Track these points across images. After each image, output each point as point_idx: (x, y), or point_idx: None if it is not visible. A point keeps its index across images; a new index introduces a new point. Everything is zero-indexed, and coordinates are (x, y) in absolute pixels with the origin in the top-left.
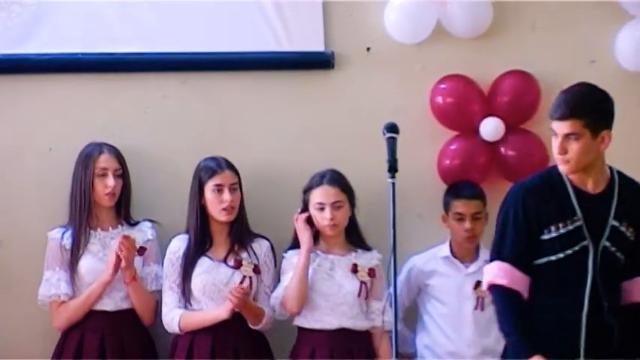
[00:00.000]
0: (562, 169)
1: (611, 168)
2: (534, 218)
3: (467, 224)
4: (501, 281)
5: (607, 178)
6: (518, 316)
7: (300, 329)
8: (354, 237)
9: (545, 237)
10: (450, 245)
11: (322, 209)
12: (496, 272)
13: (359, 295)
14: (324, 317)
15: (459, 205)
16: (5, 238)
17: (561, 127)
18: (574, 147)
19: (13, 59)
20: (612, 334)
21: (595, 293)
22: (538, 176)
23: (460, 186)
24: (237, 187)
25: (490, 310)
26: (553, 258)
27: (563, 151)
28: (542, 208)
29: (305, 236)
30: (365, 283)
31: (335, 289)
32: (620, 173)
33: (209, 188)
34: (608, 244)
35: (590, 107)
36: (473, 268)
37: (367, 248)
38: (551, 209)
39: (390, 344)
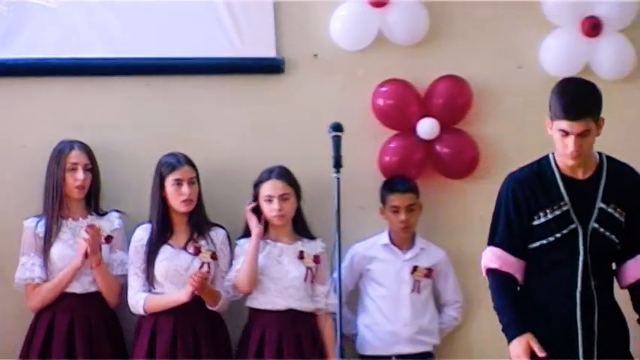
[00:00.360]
0: (572, 163)
1: (600, 153)
2: (524, 206)
3: (402, 216)
4: (494, 265)
5: (595, 163)
6: (509, 297)
7: (252, 310)
8: (299, 227)
9: (536, 222)
10: (389, 234)
11: (270, 201)
12: (490, 257)
13: (305, 279)
14: (273, 299)
15: (394, 199)
16: None
17: (574, 127)
18: (586, 143)
19: None
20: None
21: (587, 272)
22: (528, 167)
23: (394, 181)
24: (195, 180)
25: (425, 293)
26: (544, 242)
27: (580, 148)
28: (530, 196)
29: (253, 223)
30: (310, 269)
31: (283, 274)
32: (609, 157)
33: (169, 182)
34: (596, 225)
35: (594, 104)
36: (410, 254)
37: (312, 237)
38: (539, 197)
39: (334, 325)
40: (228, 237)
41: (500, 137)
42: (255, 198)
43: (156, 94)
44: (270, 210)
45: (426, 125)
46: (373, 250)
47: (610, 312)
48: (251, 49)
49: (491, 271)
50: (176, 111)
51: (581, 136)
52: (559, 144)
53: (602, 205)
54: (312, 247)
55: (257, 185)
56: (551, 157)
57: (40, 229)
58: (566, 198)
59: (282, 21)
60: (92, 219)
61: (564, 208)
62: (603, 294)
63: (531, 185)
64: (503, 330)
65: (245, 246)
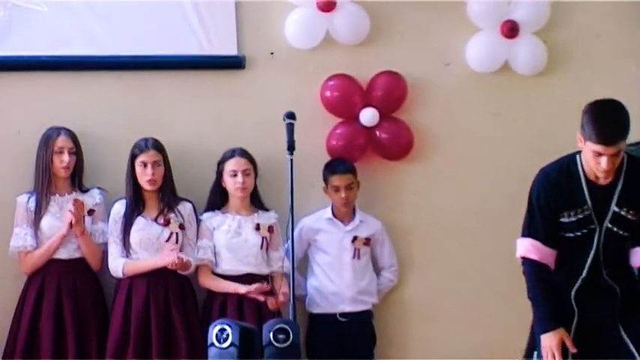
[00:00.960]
0: (603, 178)
1: (624, 156)
2: (553, 205)
3: (342, 194)
4: (533, 256)
5: (616, 168)
6: (546, 291)
7: (216, 274)
8: (256, 201)
9: (563, 220)
10: (332, 209)
11: (235, 175)
12: (528, 247)
13: (261, 247)
14: (234, 266)
15: (335, 179)
16: None
17: (609, 150)
18: (616, 160)
19: None
20: (614, 294)
21: (596, 262)
22: (557, 165)
23: (334, 163)
24: (160, 163)
25: (365, 259)
26: (569, 235)
27: (612, 165)
28: (559, 196)
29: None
30: (265, 238)
31: (242, 244)
32: (630, 159)
33: (137, 163)
34: (610, 225)
35: (625, 128)
36: (350, 226)
37: (266, 209)
38: (566, 199)
39: (287, 284)
40: (195, 209)
41: (432, 124)
42: (219, 175)
43: (132, 86)
44: (234, 183)
45: (367, 114)
46: (319, 223)
47: (632, 294)
48: (215, 48)
49: (528, 261)
50: (150, 102)
51: (613, 156)
52: (591, 160)
53: (616, 209)
54: (266, 219)
55: (221, 163)
56: (578, 159)
57: (32, 204)
58: (589, 203)
59: (242, 22)
60: (76, 195)
61: (587, 212)
62: (621, 278)
63: (560, 186)
64: (537, 321)
65: (207, 222)
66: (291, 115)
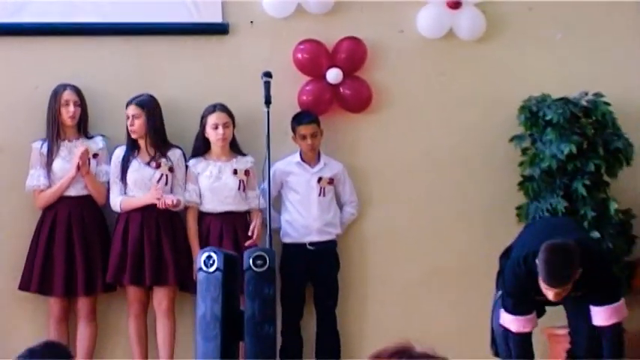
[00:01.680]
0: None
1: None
2: (524, 289)
3: (308, 141)
4: (522, 329)
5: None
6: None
7: (201, 213)
8: (234, 148)
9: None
10: (300, 154)
11: (216, 128)
12: (517, 324)
13: (239, 189)
14: (216, 206)
15: (301, 129)
16: (6, 146)
17: (558, 289)
18: (564, 292)
19: (11, 26)
20: None
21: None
22: (519, 266)
23: (300, 115)
24: (140, 115)
25: (329, 196)
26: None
27: (561, 297)
28: (526, 286)
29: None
30: (242, 181)
31: (222, 187)
32: (584, 253)
33: (125, 116)
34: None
35: (571, 274)
36: (316, 169)
37: (243, 154)
38: (530, 288)
39: (260, 220)
40: (184, 155)
41: (387, 82)
42: (203, 127)
43: (130, 49)
44: (215, 135)
45: (332, 73)
46: (289, 167)
47: None
48: (203, 16)
49: (514, 333)
50: (146, 62)
51: (562, 292)
52: (544, 290)
53: (572, 294)
54: (243, 163)
55: (204, 116)
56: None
57: (44, 149)
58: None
59: None
60: (82, 141)
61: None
62: None
63: (525, 281)
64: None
65: (193, 168)
66: (268, 74)
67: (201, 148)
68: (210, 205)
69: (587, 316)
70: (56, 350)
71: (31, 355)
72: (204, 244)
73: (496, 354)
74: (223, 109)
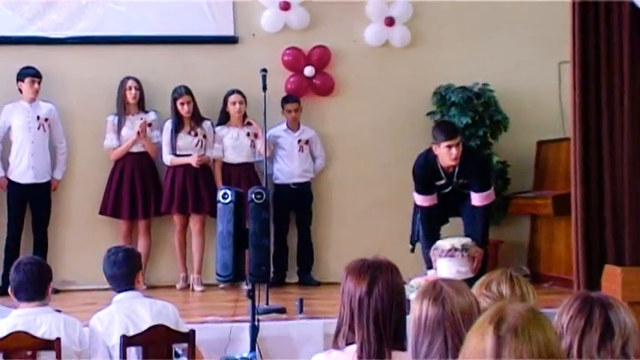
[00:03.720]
0: (453, 164)
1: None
2: (428, 178)
3: (292, 115)
4: (424, 204)
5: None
6: (429, 223)
7: (224, 163)
8: (245, 119)
9: (435, 183)
10: (287, 123)
11: (234, 104)
12: (420, 199)
13: (251, 146)
14: (235, 158)
15: (288, 106)
16: (90, 119)
17: (454, 141)
18: (459, 149)
19: (93, 38)
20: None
21: (456, 198)
22: (422, 158)
23: (287, 97)
24: (190, 101)
25: (306, 152)
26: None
27: (458, 153)
28: (428, 173)
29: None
30: (253, 141)
31: (240, 145)
32: (464, 150)
33: (178, 102)
34: (457, 187)
35: (458, 129)
36: (297, 133)
37: (250, 123)
38: (432, 175)
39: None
40: (213, 125)
41: (345, 76)
42: (225, 103)
43: (169, 54)
44: (234, 109)
45: (308, 70)
46: (279, 132)
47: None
48: (220, 30)
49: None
50: (182, 62)
51: (457, 145)
52: (446, 155)
53: (455, 180)
54: (252, 129)
55: (225, 97)
56: (437, 160)
57: (115, 120)
58: (444, 177)
59: (237, 14)
60: (141, 114)
61: (442, 181)
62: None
63: (427, 168)
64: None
65: (220, 131)
66: (264, 70)
67: (224, 118)
68: (232, 158)
69: (476, 220)
70: (129, 250)
71: (113, 251)
72: (227, 184)
73: (412, 249)
74: (239, 92)
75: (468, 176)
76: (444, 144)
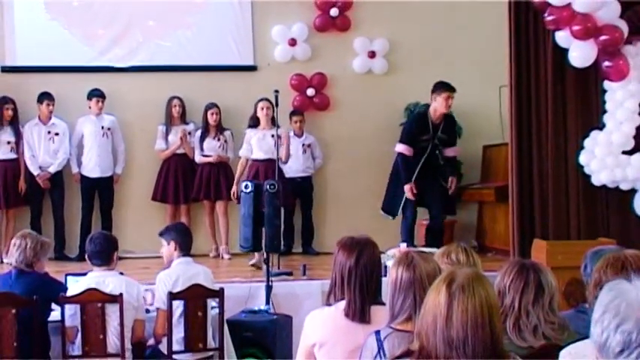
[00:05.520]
0: (444, 112)
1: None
2: (417, 131)
3: (297, 125)
4: (406, 152)
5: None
6: (408, 164)
7: (252, 160)
8: (272, 123)
9: (421, 137)
10: (294, 131)
11: (263, 109)
12: (404, 148)
13: (274, 145)
14: (261, 155)
15: (294, 119)
16: (147, 128)
17: (453, 94)
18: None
19: (146, 67)
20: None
21: (432, 152)
22: (417, 113)
23: (294, 111)
24: (218, 112)
25: (308, 153)
26: (423, 144)
27: (449, 106)
28: (420, 127)
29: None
30: (277, 142)
31: (265, 144)
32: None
33: (209, 112)
34: (437, 141)
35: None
36: (301, 139)
37: (274, 126)
38: (423, 129)
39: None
40: (232, 134)
41: (338, 96)
42: (255, 109)
43: (204, 78)
44: (262, 115)
45: (310, 91)
46: (289, 138)
47: (447, 170)
48: (243, 60)
49: (403, 155)
50: (212, 85)
51: (452, 98)
52: (443, 103)
53: (439, 134)
54: (274, 131)
55: (256, 105)
56: (428, 113)
57: (163, 129)
58: (431, 131)
59: (256, 48)
60: (183, 125)
61: (427, 136)
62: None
63: (420, 122)
64: (404, 179)
65: (249, 133)
66: (276, 91)
67: (254, 122)
68: (258, 155)
69: (439, 205)
70: (180, 225)
71: (167, 229)
72: (254, 175)
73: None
74: (267, 99)
75: (447, 133)
76: (445, 94)
